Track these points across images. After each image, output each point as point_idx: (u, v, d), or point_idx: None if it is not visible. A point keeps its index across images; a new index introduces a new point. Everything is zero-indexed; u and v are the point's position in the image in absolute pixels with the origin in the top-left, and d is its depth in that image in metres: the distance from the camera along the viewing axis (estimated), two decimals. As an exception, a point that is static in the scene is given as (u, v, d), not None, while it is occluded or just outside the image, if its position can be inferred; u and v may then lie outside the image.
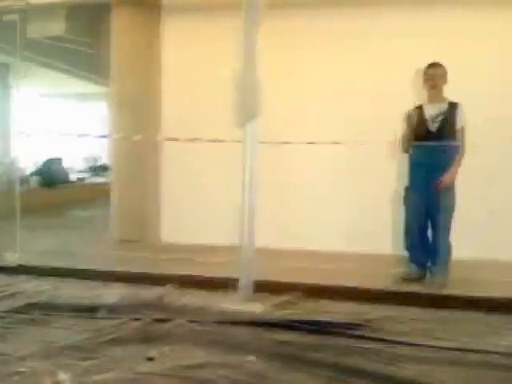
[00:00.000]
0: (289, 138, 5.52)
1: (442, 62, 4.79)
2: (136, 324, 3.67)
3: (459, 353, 3.25)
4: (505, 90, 5.70)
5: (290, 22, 6.26)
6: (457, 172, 4.68)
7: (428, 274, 4.85)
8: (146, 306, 4.08)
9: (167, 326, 3.62)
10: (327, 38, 6.22)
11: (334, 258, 5.68)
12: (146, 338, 3.44)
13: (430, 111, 4.74)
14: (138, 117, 6.61)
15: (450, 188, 4.71)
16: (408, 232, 4.89)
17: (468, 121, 4.73)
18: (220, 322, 3.72)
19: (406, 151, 4.91)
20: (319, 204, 6.34)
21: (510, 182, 5.82)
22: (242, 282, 4.12)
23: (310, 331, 3.60)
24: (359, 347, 3.33)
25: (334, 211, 6.26)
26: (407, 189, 4.91)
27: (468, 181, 4.93)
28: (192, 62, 6.60)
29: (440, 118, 4.69)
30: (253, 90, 3.97)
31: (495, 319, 4.02)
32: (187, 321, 3.69)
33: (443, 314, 4.14)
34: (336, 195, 6.28)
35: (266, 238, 5.53)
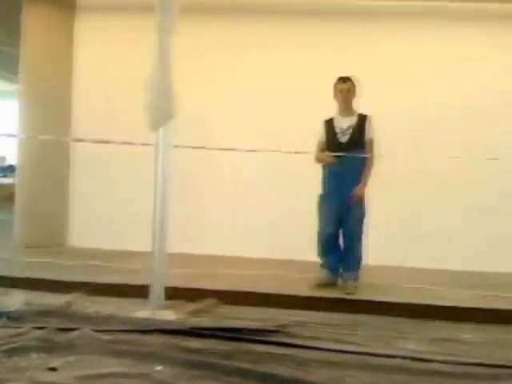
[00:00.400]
0: (210, 144, 5.44)
1: (353, 74, 4.92)
2: (39, 333, 3.44)
3: (368, 357, 3.28)
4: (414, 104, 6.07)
5: (209, 28, 6.27)
6: (367, 183, 4.83)
7: (340, 280, 4.95)
8: (51, 313, 3.88)
9: (72, 334, 3.42)
10: (245, 45, 6.29)
11: (251, 263, 5.68)
12: (49, 348, 3.24)
13: (341, 124, 4.88)
14: (47, 116, 6.36)
15: (360, 200, 4.86)
16: (320, 239, 4.97)
17: (376, 132, 4.88)
18: (129, 331, 3.57)
19: (319, 161, 4.98)
20: (237, 210, 6.34)
21: (417, 191, 6.07)
22: (154, 289, 3.99)
23: (224, 338, 3.54)
24: (272, 353, 3.29)
25: (251, 217, 6.28)
26: (321, 197, 4.99)
27: (377, 190, 5.11)
28: (105, 62, 6.48)
29: (350, 131, 4.83)
30: (167, 93, 3.87)
31: (403, 324, 4.13)
32: (94, 329, 3.51)
33: (354, 318, 4.22)
34: (255, 202, 6.30)
35: (182, 244, 5.50)
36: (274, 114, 6.26)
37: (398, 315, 4.30)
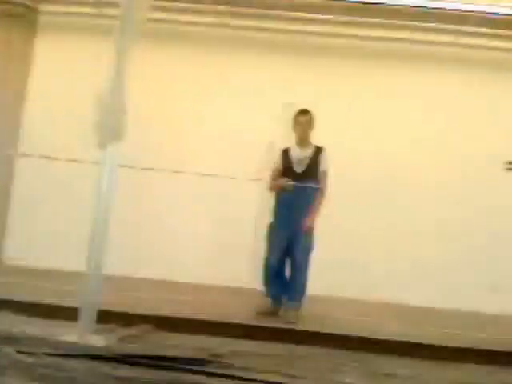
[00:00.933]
0: (159, 165, 5.33)
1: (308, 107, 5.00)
2: (-45, 353, 3.22)
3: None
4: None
5: (169, 54, 6.29)
6: (317, 214, 4.84)
7: (282, 309, 4.89)
8: (-29, 333, 3.63)
9: (-7, 356, 3.21)
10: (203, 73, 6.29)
11: (194, 289, 5.53)
12: (-35, 369, 3.02)
13: (298, 154, 4.94)
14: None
15: (310, 229, 4.88)
16: (267, 266, 4.92)
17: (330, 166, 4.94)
18: (55, 355, 3.37)
19: (272, 190, 5.01)
20: (181, 234, 6.21)
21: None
22: (84, 312, 3.79)
23: (154, 367, 3.37)
24: (204, 384, 3.16)
25: (196, 242, 6.16)
26: (271, 225, 4.97)
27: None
28: (61, 81, 6.34)
29: (306, 162, 4.90)
30: (117, 113, 3.76)
31: (341, 355, 4.07)
32: (17, 351, 3.30)
33: (292, 348, 4.14)
34: (199, 226, 6.19)
35: (121, 266, 5.32)
36: (225, 139, 6.21)
37: (338, 347, 4.24)
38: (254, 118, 6.18)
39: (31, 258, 6.04)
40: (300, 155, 4.93)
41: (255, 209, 5.53)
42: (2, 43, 6.39)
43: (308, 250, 4.90)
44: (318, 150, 4.93)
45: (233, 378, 3.29)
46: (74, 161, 4.78)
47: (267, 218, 5.03)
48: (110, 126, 3.76)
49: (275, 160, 5.03)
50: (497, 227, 6.17)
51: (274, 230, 4.95)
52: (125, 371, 3.23)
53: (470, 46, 6.06)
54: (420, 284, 6.06)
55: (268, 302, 4.93)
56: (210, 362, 3.54)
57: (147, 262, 6.08)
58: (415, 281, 6.09)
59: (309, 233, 4.87)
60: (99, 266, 3.86)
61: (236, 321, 4.54)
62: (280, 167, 4.99)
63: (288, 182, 4.83)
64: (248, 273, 5.63)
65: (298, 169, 4.90)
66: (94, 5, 6.18)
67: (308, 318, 4.81)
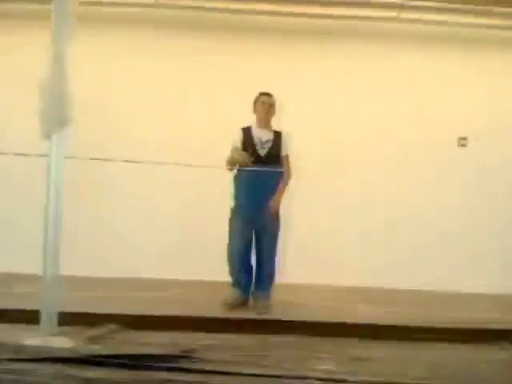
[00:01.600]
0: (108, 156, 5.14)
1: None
2: None
3: (281, 379, 3.09)
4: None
5: (110, 37, 6.14)
6: (281, 198, 4.74)
7: (251, 299, 4.81)
8: None
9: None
10: (147, 53, 6.16)
11: (159, 285, 5.39)
12: None
13: (260, 135, 4.79)
14: None
15: (276, 214, 4.77)
16: (232, 254, 4.79)
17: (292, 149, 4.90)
18: (18, 360, 3.19)
19: (234, 163, 4.79)
20: (140, 228, 6.06)
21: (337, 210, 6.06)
22: (44, 314, 3.60)
23: (124, 366, 3.22)
24: (178, 381, 3.03)
25: (158, 236, 6.01)
26: (233, 210, 4.82)
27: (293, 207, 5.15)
28: (2, 69, 6.01)
29: (268, 145, 4.77)
30: (60, 100, 3.57)
31: (316, 343, 4.01)
32: (-23, 359, 3.12)
33: (265, 339, 4.05)
34: (162, 218, 6.05)
35: (82, 266, 5.14)
36: (179, 126, 6.06)
37: (312, 335, 4.16)
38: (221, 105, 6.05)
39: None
40: (262, 136, 4.79)
41: (218, 197, 5.33)
42: None
43: (274, 235, 4.80)
44: (277, 134, 4.85)
45: (207, 372, 3.18)
46: (21, 155, 4.54)
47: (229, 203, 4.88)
48: (54, 114, 3.57)
49: (235, 138, 4.82)
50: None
51: (236, 215, 4.79)
52: (93, 372, 3.09)
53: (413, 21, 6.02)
54: (391, 267, 6.06)
55: (236, 292, 4.80)
56: (182, 357, 3.43)
57: (104, 260, 5.88)
58: (387, 264, 6.08)
59: (274, 218, 4.77)
60: (56, 266, 3.66)
61: (206, 315, 4.42)
62: (240, 145, 4.79)
63: (248, 156, 4.69)
64: (215, 265, 5.49)
65: (262, 152, 4.75)
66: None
67: (279, 307, 4.73)
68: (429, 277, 5.99)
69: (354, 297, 5.32)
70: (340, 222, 6.18)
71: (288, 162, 4.85)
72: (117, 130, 6.00)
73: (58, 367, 3.12)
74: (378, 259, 6.12)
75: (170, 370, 3.20)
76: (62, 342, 3.56)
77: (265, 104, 4.82)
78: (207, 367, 3.25)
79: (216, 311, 4.55)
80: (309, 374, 3.19)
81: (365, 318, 4.49)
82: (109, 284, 5.36)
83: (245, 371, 3.21)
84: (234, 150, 4.74)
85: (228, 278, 4.86)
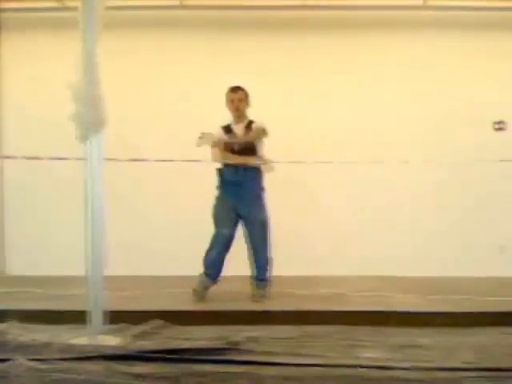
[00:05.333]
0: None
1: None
2: (-32, 365, 3.11)
3: (324, 368, 3.10)
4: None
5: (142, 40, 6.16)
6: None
7: (250, 285, 4.90)
8: (-19, 345, 3.53)
9: (6, 365, 3.09)
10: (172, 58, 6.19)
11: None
12: (-19, 381, 2.93)
13: (237, 131, 4.91)
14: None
15: (260, 203, 4.88)
16: (217, 241, 4.82)
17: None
18: (67, 359, 3.27)
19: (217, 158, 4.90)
20: (177, 227, 6.08)
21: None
22: (91, 314, 3.69)
23: (171, 361, 3.28)
24: (223, 372, 3.07)
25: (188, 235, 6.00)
26: (217, 198, 4.91)
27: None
28: (34, 77, 6.16)
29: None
30: (94, 103, 3.62)
31: (357, 331, 4.00)
32: (29, 359, 3.20)
33: (305, 329, 4.05)
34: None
35: (120, 266, 5.19)
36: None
37: (352, 324, 4.15)
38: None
39: (33, 267, 5.92)
40: (238, 131, 4.89)
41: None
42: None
43: (262, 223, 4.84)
44: (250, 123, 4.90)
45: (253, 363, 3.22)
46: (60, 159, 4.63)
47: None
48: (89, 117, 3.62)
49: (215, 135, 4.87)
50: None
51: (220, 202, 4.87)
52: (141, 368, 3.16)
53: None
54: (418, 255, 6.03)
55: (204, 279, 4.84)
56: (228, 350, 3.47)
57: (142, 259, 5.97)
58: (413, 252, 6.05)
59: (258, 207, 4.84)
60: (100, 266, 3.74)
61: (247, 308, 4.46)
62: (221, 145, 4.86)
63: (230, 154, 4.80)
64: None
65: (236, 146, 4.84)
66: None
67: (316, 298, 4.76)
68: (462, 264, 5.94)
69: (389, 286, 5.26)
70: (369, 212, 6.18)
71: (256, 127, 4.83)
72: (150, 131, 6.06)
73: (107, 364, 3.19)
74: (405, 248, 6.07)
75: (216, 362, 3.25)
76: (110, 340, 3.65)
77: (234, 102, 4.86)
78: (252, 359, 3.30)
79: (251, 304, 4.61)
80: (354, 362, 3.20)
81: (406, 306, 4.47)
82: (151, 282, 5.42)
83: (289, 361, 3.24)
84: (204, 139, 4.77)
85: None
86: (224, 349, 3.49)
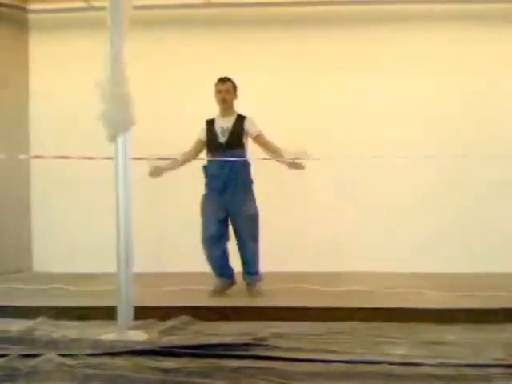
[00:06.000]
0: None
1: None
2: (0, 361, 3.17)
3: (353, 365, 3.10)
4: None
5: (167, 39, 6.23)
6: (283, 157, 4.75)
7: (244, 284, 4.91)
8: (13, 340, 3.60)
9: (37, 361, 3.15)
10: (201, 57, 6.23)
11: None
12: (13, 376, 2.97)
13: (221, 124, 4.85)
14: (3, 137, 6.14)
15: (248, 196, 4.83)
16: (205, 240, 4.81)
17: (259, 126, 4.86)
18: (97, 354, 3.32)
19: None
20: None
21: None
22: (120, 310, 3.74)
23: (199, 356, 3.31)
24: (250, 368, 3.08)
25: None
26: (204, 196, 4.89)
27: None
28: (62, 77, 6.29)
29: (228, 132, 4.80)
30: (122, 102, 3.66)
31: (385, 328, 3.98)
32: (59, 354, 3.26)
33: (332, 326, 4.04)
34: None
35: (147, 263, 5.26)
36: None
37: (379, 321, 4.14)
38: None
39: (60, 264, 6.03)
40: (223, 125, 4.82)
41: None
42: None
43: (251, 218, 4.79)
44: (241, 119, 4.84)
45: (279, 359, 3.23)
46: (88, 158, 4.70)
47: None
48: (118, 117, 3.65)
49: (199, 131, 4.90)
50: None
51: (208, 201, 4.84)
52: (170, 363, 3.19)
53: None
54: (440, 251, 6.03)
55: (218, 280, 4.86)
56: (254, 345, 3.49)
57: (169, 256, 6.02)
58: (435, 248, 6.05)
59: (247, 201, 4.80)
60: (129, 263, 3.78)
61: (273, 304, 4.47)
62: (204, 138, 4.88)
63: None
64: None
65: (222, 139, 4.78)
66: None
67: (342, 295, 4.76)
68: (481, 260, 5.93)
69: (413, 282, 5.23)
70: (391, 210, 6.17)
71: (264, 140, 4.81)
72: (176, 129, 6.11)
73: (136, 359, 3.23)
74: (427, 244, 6.08)
75: (243, 358, 3.27)
76: (138, 336, 3.70)
77: (220, 92, 4.81)
78: (279, 354, 3.31)
79: (282, 300, 4.59)
80: (381, 358, 3.19)
81: (432, 303, 4.44)
82: (178, 278, 5.47)
83: (317, 357, 3.24)
84: (195, 147, 4.88)
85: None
86: (251, 344, 3.51)
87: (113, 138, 3.68)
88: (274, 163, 4.86)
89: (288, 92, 6.20)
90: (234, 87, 4.86)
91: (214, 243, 4.78)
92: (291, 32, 6.25)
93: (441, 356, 3.22)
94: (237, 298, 4.73)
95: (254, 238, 4.81)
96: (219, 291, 4.81)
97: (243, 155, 4.78)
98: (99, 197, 5.74)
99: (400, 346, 3.52)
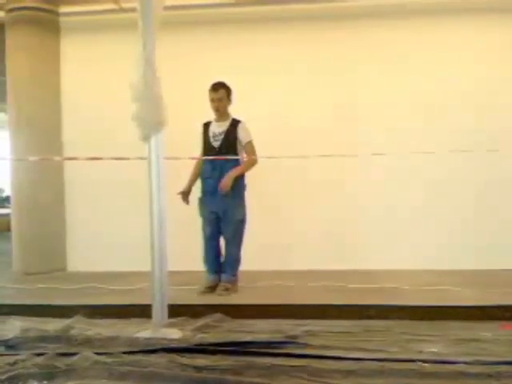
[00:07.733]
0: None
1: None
2: (38, 359, 3.25)
3: (385, 363, 3.09)
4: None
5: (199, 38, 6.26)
6: (231, 180, 4.77)
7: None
8: (50, 339, 3.68)
9: (73, 359, 3.23)
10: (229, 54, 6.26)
11: (255, 276, 5.48)
12: (50, 374, 3.04)
13: (215, 129, 4.95)
14: (39, 142, 6.26)
15: (238, 201, 4.92)
16: (204, 240, 5.01)
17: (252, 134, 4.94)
18: (132, 352, 3.38)
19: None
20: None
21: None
22: (155, 308, 3.80)
23: (232, 353, 3.34)
24: (283, 365, 3.10)
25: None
26: (199, 199, 5.01)
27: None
28: (93, 79, 6.38)
29: (222, 136, 4.89)
30: (155, 102, 3.71)
31: (418, 326, 3.96)
32: (96, 352, 3.33)
33: (365, 324, 4.04)
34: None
35: (180, 261, 5.30)
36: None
37: (412, 318, 4.12)
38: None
39: (95, 263, 6.13)
40: (216, 130, 4.93)
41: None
42: (29, 50, 6.38)
43: (237, 222, 4.90)
44: (235, 123, 4.93)
45: (312, 357, 3.24)
46: (120, 159, 4.76)
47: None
48: (151, 117, 3.70)
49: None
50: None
51: (202, 204, 4.98)
52: (204, 360, 3.23)
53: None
54: (472, 248, 5.95)
55: (207, 277, 4.99)
56: (287, 343, 3.50)
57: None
58: (467, 245, 5.97)
59: (236, 204, 4.88)
60: (164, 262, 3.84)
61: (306, 302, 4.48)
62: (201, 140, 5.02)
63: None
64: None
65: (215, 144, 4.89)
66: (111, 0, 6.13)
67: (373, 293, 4.74)
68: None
69: (445, 279, 5.16)
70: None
71: (250, 149, 4.91)
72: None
73: (171, 357, 3.28)
74: (458, 241, 6.01)
75: (275, 355, 3.29)
76: (173, 333, 3.75)
77: (214, 101, 4.89)
78: (311, 352, 3.32)
79: (314, 298, 4.59)
80: (415, 356, 3.18)
81: (465, 300, 4.38)
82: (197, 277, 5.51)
83: (349, 355, 3.24)
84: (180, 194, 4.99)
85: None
86: (283, 342, 3.52)
87: (146, 139, 3.74)
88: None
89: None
90: (228, 93, 4.94)
91: (208, 243, 4.98)
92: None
93: (475, 353, 3.19)
94: (268, 296, 4.74)
95: (237, 243, 4.94)
96: (206, 290, 4.90)
97: (235, 160, 4.89)
98: (131, 196, 5.85)
99: (434, 343, 3.49)
